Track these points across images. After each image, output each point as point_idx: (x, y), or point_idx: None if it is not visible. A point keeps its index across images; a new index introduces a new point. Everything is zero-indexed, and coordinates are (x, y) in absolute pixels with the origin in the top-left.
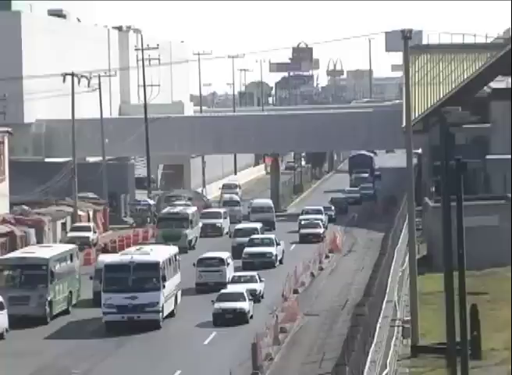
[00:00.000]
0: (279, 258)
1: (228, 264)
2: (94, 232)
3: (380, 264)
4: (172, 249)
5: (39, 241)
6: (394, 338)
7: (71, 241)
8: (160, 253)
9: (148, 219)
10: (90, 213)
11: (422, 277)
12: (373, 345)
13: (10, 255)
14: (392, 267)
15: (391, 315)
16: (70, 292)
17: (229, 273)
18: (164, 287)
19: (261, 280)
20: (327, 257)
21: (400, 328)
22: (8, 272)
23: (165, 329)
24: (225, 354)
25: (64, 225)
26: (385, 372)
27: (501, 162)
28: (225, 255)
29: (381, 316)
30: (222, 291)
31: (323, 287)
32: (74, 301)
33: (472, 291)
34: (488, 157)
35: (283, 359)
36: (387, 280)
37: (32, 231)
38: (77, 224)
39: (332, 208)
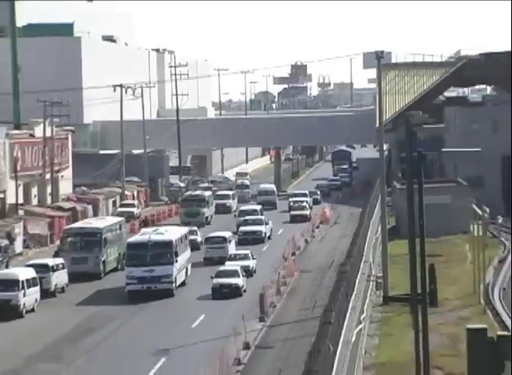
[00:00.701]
0: (267, 235)
1: (230, 241)
2: (138, 208)
3: (359, 233)
4: (183, 230)
5: (95, 215)
6: (369, 290)
7: (120, 214)
8: (173, 233)
9: (179, 198)
10: (135, 193)
11: (391, 243)
12: (353, 295)
13: (73, 226)
14: (368, 235)
15: (367, 272)
16: (119, 254)
17: (231, 249)
18: (176, 261)
19: (253, 258)
20: (318, 227)
21: (374, 282)
22: (71, 238)
23: (178, 296)
24: (233, 307)
25: (114, 202)
26: (362, 316)
27: (452, 153)
28: (228, 234)
29: (359, 272)
30: (220, 268)
31: (315, 250)
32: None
33: (430, 253)
34: (442, 150)
35: (284, 306)
36: (364, 245)
37: (90, 207)
38: (124, 201)
39: (318, 192)
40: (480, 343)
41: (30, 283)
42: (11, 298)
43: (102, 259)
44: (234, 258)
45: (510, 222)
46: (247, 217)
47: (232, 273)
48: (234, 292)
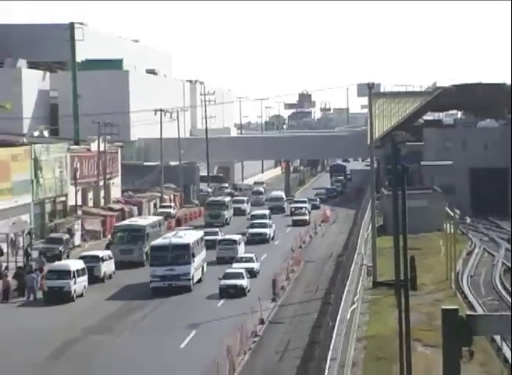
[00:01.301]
0: (271, 236)
1: (239, 243)
2: (174, 209)
3: (353, 230)
4: (199, 233)
5: (139, 214)
6: (362, 276)
7: (159, 214)
8: (190, 237)
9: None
10: (171, 197)
11: (379, 238)
12: (348, 281)
13: (121, 223)
14: (361, 232)
15: (360, 262)
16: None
17: (240, 250)
18: (193, 261)
19: (257, 260)
20: (320, 225)
21: (366, 270)
22: (120, 233)
23: (196, 291)
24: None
25: (155, 204)
26: (356, 297)
27: (429, 166)
28: (238, 237)
29: (353, 262)
30: (227, 270)
31: (317, 244)
32: None
33: (411, 247)
34: (422, 163)
35: (292, 289)
36: (357, 240)
37: (135, 208)
38: (163, 204)
39: (317, 199)
40: (452, 321)
41: (80, 273)
42: (64, 285)
43: (145, 250)
44: (240, 260)
45: (511, 225)
46: (254, 221)
47: (238, 275)
48: (239, 292)
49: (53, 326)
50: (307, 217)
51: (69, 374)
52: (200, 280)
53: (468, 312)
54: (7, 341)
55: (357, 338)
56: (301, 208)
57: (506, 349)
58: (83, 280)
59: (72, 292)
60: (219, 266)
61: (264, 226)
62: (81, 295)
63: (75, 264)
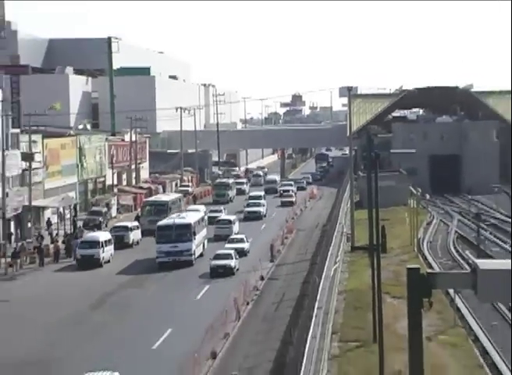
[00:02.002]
0: (264, 214)
1: (234, 223)
2: (191, 187)
3: (335, 205)
4: (200, 214)
5: (163, 192)
6: (342, 242)
7: (179, 192)
8: (192, 217)
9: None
10: (189, 178)
11: (357, 211)
12: (331, 246)
13: (149, 199)
14: (342, 206)
15: (341, 230)
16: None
17: (235, 228)
18: (195, 239)
19: (247, 241)
20: (308, 201)
21: (345, 237)
22: (148, 207)
23: (197, 265)
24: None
25: (176, 184)
26: (337, 259)
27: (397, 154)
28: (233, 217)
29: (336, 230)
30: (217, 251)
31: (307, 215)
32: None
33: (382, 218)
34: (391, 151)
35: (286, 252)
36: (339, 213)
37: (160, 187)
38: (183, 183)
39: (304, 181)
40: (415, 277)
41: (107, 243)
42: (94, 253)
43: None
44: (232, 241)
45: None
46: (251, 201)
47: (227, 256)
48: (228, 272)
49: (91, 283)
50: (293, 199)
51: (110, 318)
52: (201, 255)
53: (428, 270)
54: (55, 294)
55: (338, 291)
56: (288, 190)
57: (458, 300)
58: (109, 249)
59: (101, 259)
60: (217, 243)
61: (258, 205)
62: (108, 261)
63: (103, 235)
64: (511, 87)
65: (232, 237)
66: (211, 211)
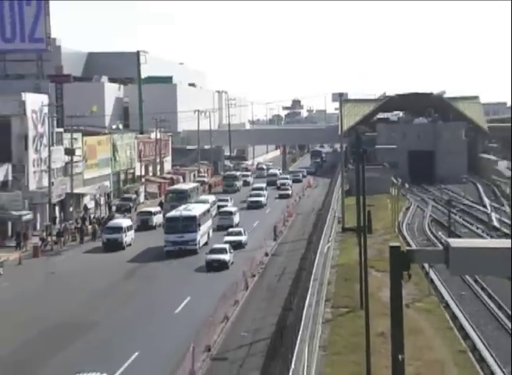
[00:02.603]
0: (264, 203)
1: (235, 214)
2: (206, 178)
3: (328, 192)
4: (206, 206)
5: (183, 181)
6: (334, 224)
7: (197, 181)
8: (198, 209)
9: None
10: (205, 170)
11: (347, 198)
12: (325, 227)
13: (171, 187)
14: (334, 194)
15: (333, 214)
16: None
17: (236, 219)
18: (199, 230)
19: (245, 234)
20: (306, 190)
21: (337, 220)
22: (171, 195)
23: (201, 253)
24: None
25: (194, 175)
26: (330, 238)
27: (381, 150)
28: (234, 209)
29: (329, 214)
30: (213, 246)
31: (304, 202)
32: None
33: (368, 204)
34: (376, 147)
35: (287, 232)
36: (331, 199)
37: (180, 177)
38: (200, 174)
39: (300, 175)
40: (396, 253)
41: (129, 228)
42: (117, 237)
43: None
44: (231, 234)
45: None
46: (253, 192)
47: (222, 251)
48: (222, 266)
49: (118, 261)
50: (289, 192)
51: (138, 288)
52: (206, 243)
53: (407, 248)
54: (91, 267)
55: (331, 266)
56: (285, 183)
57: (432, 273)
58: (130, 234)
59: (124, 242)
60: (220, 232)
61: (260, 195)
62: (129, 245)
63: (125, 222)
64: (511, 94)
65: (230, 230)
66: (220, 200)
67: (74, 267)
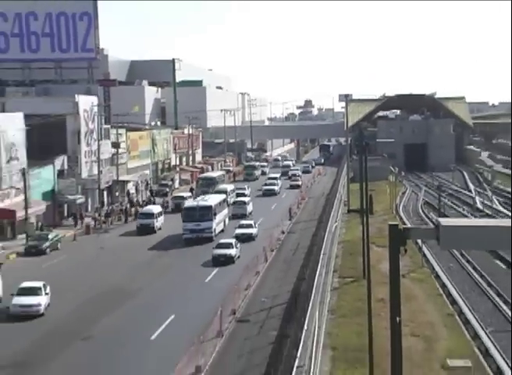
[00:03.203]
0: (278, 191)
1: (248, 204)
2: (231, 167)
3: (336, 180)
4: (221, 197)
5: (212, 170)
6: (341, 207)
7: (223, 170)
8: (214, 200)
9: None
10: (230, 160)
11: (351, 185)
12: (333, 209)
13: (202, 175)
14: (340, 181)
15: (340, 198)
16: (225, 192)
17: (249, 208)
18: (215, 218)
19: (255, 226)
20: (316, 177)
21: (343, 203)
22: (201, 181)
23: (216, 240)
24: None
25: (221, 164)
26: (337, 218)
27: (381, 142)
28: (247, 199)
29: (336, 198)
30: (220, 240)
31: (315, 187)
32: None
33: (370, 189)
34: (377, 140)
35: (300, 214)
36: (338, 185)
37: (210, 167)
38: (226, 164)
39: (309, 166)
40: (394, 231)
41: (159, 214)
42: (150, 222)
43: (215, 191)
44: (242, 226)
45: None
46: (268, 181)
47: (228, 246)
48: (228, 260)
49: (152, 239)
50: (299, 182)
51: (171, 262)
52: (222, 231)
53: (403, 226)
54: (133, 243)
55: (338, 242)
56: (296, 174)
57: (424, 248)
58: (161, 219)
59: (155, 227)
60: (235, 220)
61: (273, 184)
62: (160, 229)
63: (156, 208)
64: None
65: (242, 222)
66: (238, 188)
67: (119, 243)
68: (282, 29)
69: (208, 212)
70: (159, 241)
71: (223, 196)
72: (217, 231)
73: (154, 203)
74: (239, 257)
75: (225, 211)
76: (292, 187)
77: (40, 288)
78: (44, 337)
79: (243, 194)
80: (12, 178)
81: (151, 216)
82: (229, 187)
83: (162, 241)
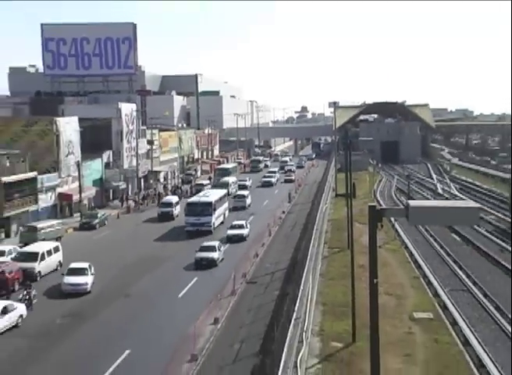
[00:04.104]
0: (275, 183)
1: (247, 197)
2: (242, 160)
3: (326, 170)
4: (222, 192)
5: (227, 162)
6: (330, 192)
7: (236, 162)
8: (214, 196)
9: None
10: (242, 154)
11: (338, 174)
12: (324, 193)
13: (218, 166)
14: (330, 171)
15: (329, 185)
16: (227, 185)
17: (248, 201)
18: (214, 213)
19: (247, 227)
20: (311, 167)
21: (332, 189)
22: (218, 171)
23: (216, 233)
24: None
25: (234, 158)
26: (327, 201)
27: (363, 140)
28: (246, 192)
29: (326, 186)
30: (203, 243)
31: (308, 177)
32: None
33: (353, 178)
34: (359, 139)
35: (298, 197)
36: (327, 176)
37: (225, 160)
38: (238, 157)
39: (303, 161)
40: (372, 211)
41: (177, 203)
42: (169, 211)
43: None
44: (234, 227)
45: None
46: (267, 174)
47: (211, 249)
48: (210, 264)
49: (172, 224)
50: (293, 177)
51: (181, 239)
52: (222, 223)
53: (380, 207)
54: (152, 227)
55: (327, 220)
56: (290, 169)
57: (396, 225)
58: (178, 208)
59: (174, 214)
60: (236, 212)
61: (271, 177)
62: (177, 216)
63: (174, 199)
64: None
65: (234, 223)
66: (240, 180)
67: (152, 221)
68: (283, 47)
69: (208, 208)
70: (179, 225)
71: (224, 191)
72: (216, 224)
73: (181, 189)
74: (222, 260)
75: (226, 205)
76: (286, 181)
77: (86, 269)
78: (94, 295)
79: (245, 186)
80: (70, 169)
81: (170, 205)
82: (232, 179)
83: (181, 225)
